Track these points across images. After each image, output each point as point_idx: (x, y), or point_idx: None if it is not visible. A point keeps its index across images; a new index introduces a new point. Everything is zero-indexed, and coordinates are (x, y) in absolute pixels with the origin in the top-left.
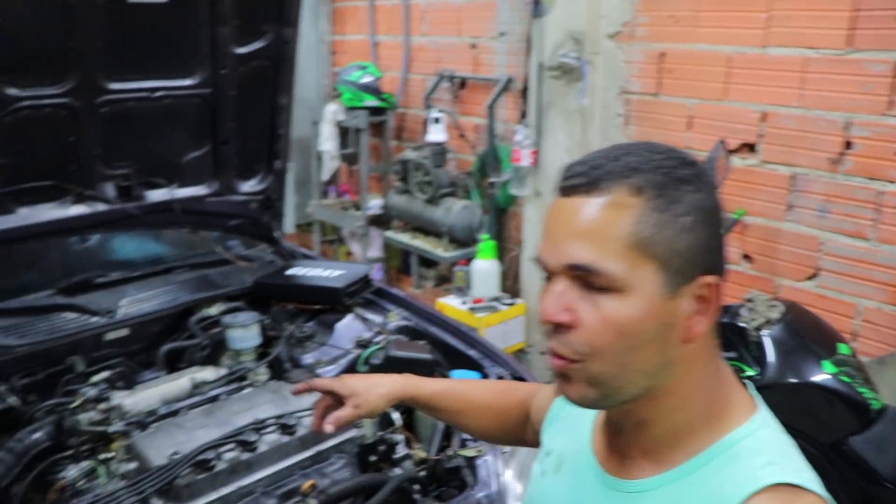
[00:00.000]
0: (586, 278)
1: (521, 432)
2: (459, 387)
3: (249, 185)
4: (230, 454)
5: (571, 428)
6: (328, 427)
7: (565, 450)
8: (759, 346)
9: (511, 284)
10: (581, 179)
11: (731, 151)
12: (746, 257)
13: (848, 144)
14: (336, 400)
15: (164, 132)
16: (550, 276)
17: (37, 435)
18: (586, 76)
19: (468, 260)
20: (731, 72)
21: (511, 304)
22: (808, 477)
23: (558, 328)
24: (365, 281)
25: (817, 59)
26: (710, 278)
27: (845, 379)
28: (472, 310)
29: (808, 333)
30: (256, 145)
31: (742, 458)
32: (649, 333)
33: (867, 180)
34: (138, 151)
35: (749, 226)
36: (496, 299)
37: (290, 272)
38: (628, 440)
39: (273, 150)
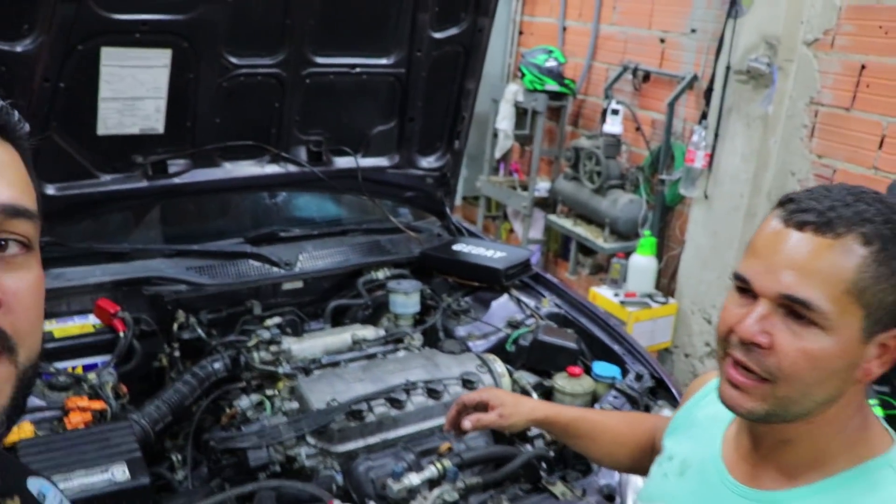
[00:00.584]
0: (796, 310)
1: (649, 461)
2: (593, 414)
3: (428, 161)
4: (380, 409)
5: (699, 436)
6: (467, 423)
7: (691, 456)
8: None
9: (666, 283)
10: (814, 217)
11: None
12: None
13: None
14: (481, 407)
15: (357, 105)
16: (753, 295)
17: (216, 365)
18: (776, 82)
19: (627, 253)
20: None
21: (664, 303)
22: None
23: (751, 346)
24: (525, 265)
25: None
26: None
27: None
28: (624, 303)
29: None
30: (439, 124)
31: (882, 485)
32: (837, 370)
33: None
34: (331, 121)
35: None
36: (649, 296)
37: (455, 247)
38: (766, 454)
39: (454, 131)
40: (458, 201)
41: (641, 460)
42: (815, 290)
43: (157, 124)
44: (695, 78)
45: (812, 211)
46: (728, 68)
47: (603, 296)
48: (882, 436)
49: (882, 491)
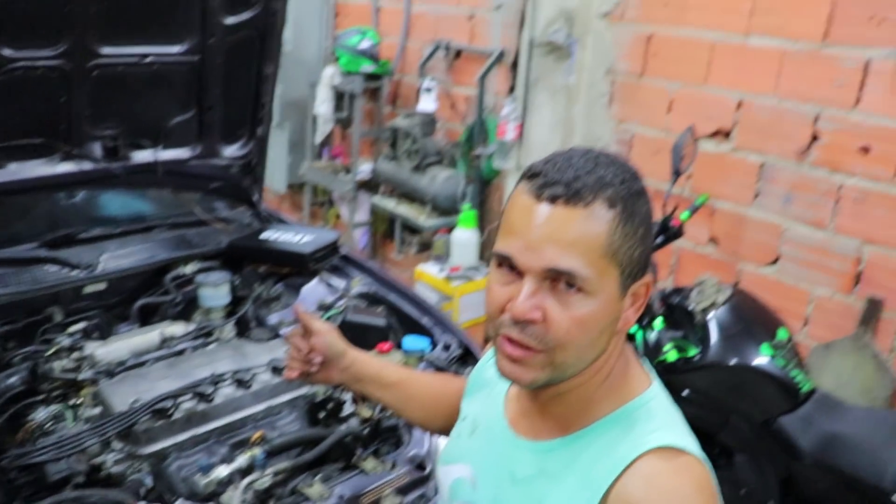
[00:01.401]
0: (563, 280)
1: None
2: (403, 368)
3: (232, 150)
4: (187, 404)
5: (487, 396)
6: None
7: (480, 415)
8: (704, 327)
9: (490, 255)
10: (562, 190)
11: (709, 136)
12: (713, 240)
13: (815, 137)
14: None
15: (152, 96)
16: (516, 271)
17: (12, 379)
18: (574, 54)
19: (449, 229)
20: (713, 58)
21: (488, 274)
22: (688, 441)
23: (525, 323)
24: (332, 247)
25: (794, 52)
26: (648, 278)
27: (780, 362)
28: (449, 278)
29: (750, 317)
30: (240, 112)
31: (635, 424)
32: (604, 327)
33: (830, 172)
34: (126, 113)
35: (717, 210)
36: (474, 269)
37: (263, 236)
38: (542, 409)
39: (256, 117)
40: (283, 189)
41: (453, 417)
42: (575, 259)
43: None
44: (502, 53)
45: (559, 184)
46: (531, 41)
47: (428, 273)
48: (640, 377)
49: (633, 428)
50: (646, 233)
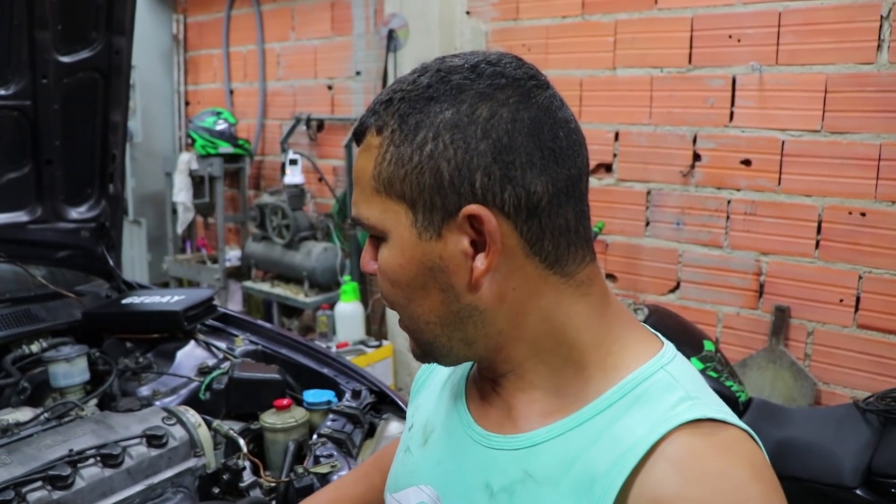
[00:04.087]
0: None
1: None
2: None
3: (79, 212)
4: (37, 494)
5: (442, 391)
6: None
7: (432, 418)
8: None
9: (377, 328)
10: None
11: (591, 172)
12: (609, 276)
13: (697, 157)
14: None
15: None
16: None
17: None
18: None
19: (331, 304)
20: (584, 95)
21: (378, 346)
22: (727, 411)
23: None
24: (208, 305)
25: (663, 78)
26: (472, 208)
27: (712, 374)
28: (338, 355)
29: (674, 334)
30: (87, 167)
31: (653, 394)
32: (417, 280)
33: (716, 190)
34: None
35: (610, 245)
36: (362, 342)
37: (125, 301)
38: (508, 394)
39: (106, 172)
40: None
41: None
42: (359, 203)
43: None
44: None
45: None
46: None
47: None
48: (646, 341)
49: (651, 399)
50: (445, 147)
